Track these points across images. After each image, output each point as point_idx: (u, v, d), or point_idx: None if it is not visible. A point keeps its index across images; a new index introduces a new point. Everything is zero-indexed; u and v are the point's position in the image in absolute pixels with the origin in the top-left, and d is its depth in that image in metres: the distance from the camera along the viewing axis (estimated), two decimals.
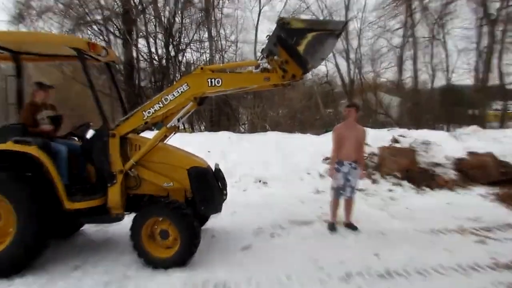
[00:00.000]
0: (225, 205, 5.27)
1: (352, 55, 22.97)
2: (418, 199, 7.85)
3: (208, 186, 4.98)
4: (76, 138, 5.41)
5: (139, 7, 16.85)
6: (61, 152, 4.58)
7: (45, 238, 4.56)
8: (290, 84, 4.66)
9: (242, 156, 10.23)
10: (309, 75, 25.40)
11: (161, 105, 4.87)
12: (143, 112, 4.81)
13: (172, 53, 17.58)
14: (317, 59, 4.38)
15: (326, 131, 13.03)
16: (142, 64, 20.25)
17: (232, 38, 20.57)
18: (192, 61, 20.99)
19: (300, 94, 20.06)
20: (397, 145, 9.87)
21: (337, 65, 24.09)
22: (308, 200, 8.07)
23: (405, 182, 8.69)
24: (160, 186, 4.81)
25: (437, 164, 9.00)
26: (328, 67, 24.75)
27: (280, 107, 19.01)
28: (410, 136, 10.26)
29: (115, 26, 16.73)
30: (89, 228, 6.02)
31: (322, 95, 24.15)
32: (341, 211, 6.05)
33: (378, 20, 22.20)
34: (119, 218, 4.82)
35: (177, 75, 19.97)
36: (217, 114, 20.58)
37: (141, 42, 19.43)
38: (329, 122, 20.12)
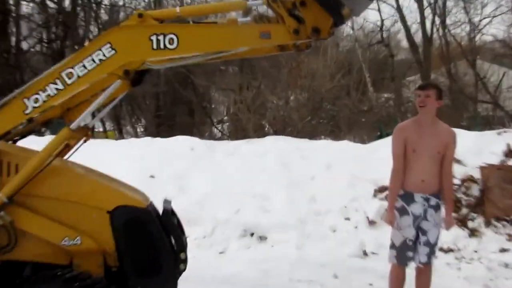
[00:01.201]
0: (183, 283, 3.37)
1: None
2: None
3: (149, 244, 3.11)
4: None
5: None
6: None
7: None
8: (309, 46, 3.22)
9: (216, 184, 7.19)
10: (346, 28, 19.79)
11: (61, 87, 3.01)
12: (24, 100, 3.03)
13: None
14: (363, 1, 3.09)
15: (381, 135, 10.75)
16: (25, 8, 11.76)
17: None
18: (122, 3, 12.71)
19: (331, 65, 14.99)
20: None
21: (400, 10, 18.49)
22: (347, 272, 5.19)
23: None
24: (56, 245, 3.01)
25: None
26: (385, 14, 21.80)
27: (293, 90, 14.07)
28: None
29: None
30: None
31: (373, 68, 18.72)
32: None
33: None
34: None
35: (92, 29, 12.40)
36: (169, 105, 14.45)
37: None
38: (385, 118, 15.58)
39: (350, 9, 2.84)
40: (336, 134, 12.77)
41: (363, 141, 9.92)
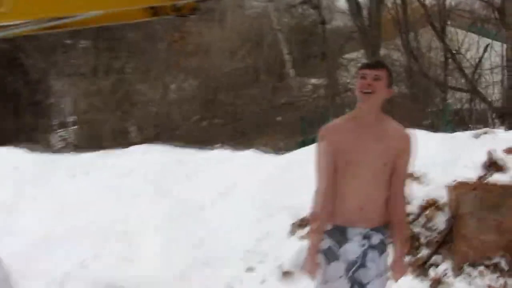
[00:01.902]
0: None
1: None
2: None
3: None
4: None
5: None
6: None
7: None
8: (196, 9, 3.17)
9: (54, 221, 7.03)
10: None
11: None
12: None
13: None
14: None
15: (304, 141, 10.84)
16: None
17: None
18: None
19: (232, 37, 15.08)
20: (499, 178, 7.06)
21: None
22: None
23: None
24: None
25: None
26: None
27: (174, 74, 14.03)
28: None
29: None
30: None
31: (295, 41, 18.89)
32: None
33: None
34: None
35: None
36: None
37: None
38: (312, 115, 15.64)
39: None
40: (239, 140, 12.57)
41: (278, 150, 9.91)
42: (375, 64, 4.18)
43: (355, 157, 3.78)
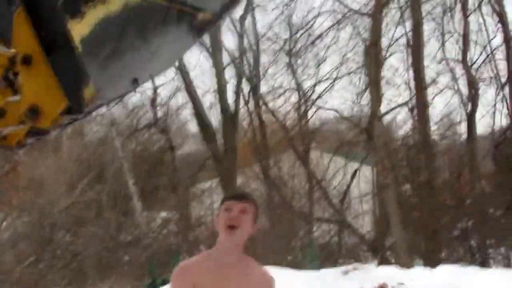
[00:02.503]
0: None
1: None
2: None
3: None
4: None
5: None
6: None
7: None
8: (23, 145, 2.85)
9: None
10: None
11: None
12: None
13: None
14: (122, 76, 2.84)
15: (154, 284, 11.85)
16: None
17: None
18: None
19: (70, 167, 16.10)
20: None
21: (183, 70, 21.28)
22: None
23: None
24: None
25: None
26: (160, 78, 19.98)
27: (6, 211, 14.77)
28: None
29: None
30: None
31: (141, 169, 20.12)
32: None
33: None
34: None
35: None
36: None
37: None
38: (162, 254, 16.55)
39: (97, 89, 2.74)
40: (80, 284, 13.32)
41: None
42: (242, 195, 4.16)
43: None
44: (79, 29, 2.46)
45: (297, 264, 12.92)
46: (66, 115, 2.75)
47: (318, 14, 22.04)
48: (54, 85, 2.65)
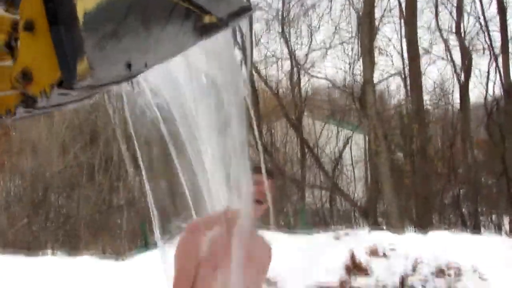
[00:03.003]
0: None
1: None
2: None
3: None
4: None
5: None
6: None
7: None
8: (13, 113, 2.63)
9: None
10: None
11: None
12: None
13: None
14: (117, 59, 2.58)
15: (146, 244, 11.73)
16: None
17: None
18: None
19: (62, 132, 16.24)
20: (362, 281, 8.79)
21: None
22: None
23: None
24: None
25: None
26: None
27: (1, 175, 15.17)
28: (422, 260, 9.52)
29: None
30: None
31: (137, 134, 19.83)
32: None
33: None
34: None
35: None
36: None
37: None
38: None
39: (90, 66, 2.78)
40: (73, 244, 13.35)
41: (118, 255, 10.56)
42: (270, 172, 4.17)
43: (224, 265, 3.88)
44: (84, 3, 2.33)
45: (289, 229, 12.75)
46: (56, 88, 2.68)
47: None
48: (51, 55, 2.38)
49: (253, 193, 3.68)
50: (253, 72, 21.92)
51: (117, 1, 2.31)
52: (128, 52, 2.49)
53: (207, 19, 2.84)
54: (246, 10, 3.16)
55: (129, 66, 2.54)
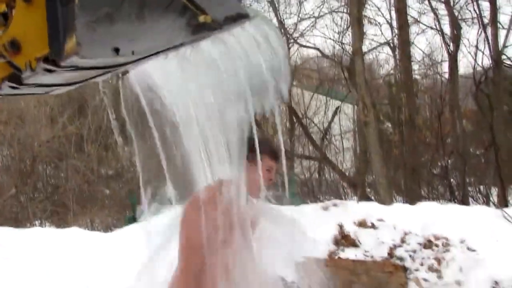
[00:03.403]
0: None
1: None
2: None
3: None
4: None
5: None
6: None
7: None
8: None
9: None
10: None
11: None
12: None
13: None
14: (106, 42, 2.28)
15: (134, 218, 11.38)
16: None
17: None
18: None
19: (51, 101, 15.94)
20: (351, 253, 8.80)
21: None
22: None
23: None
24: None
25: None
26: None
27: None
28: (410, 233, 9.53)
29: None
30: None
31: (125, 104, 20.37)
32: None
33: None
34: None
35: None
36: None
37: None
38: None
39: (77, 44, 2.23)
40: (61, 215, 13.42)
41: (107, 227, 10.68)
42: (279, 157, 4.14)
43: (230, 237, 3.81)
44: None
45: (277, 200, 12.86)
46: (42, 63, 2.15)
47: None
48: (42, 30, 2.24)
49: (263, 177, 3.69)
50: None
51: None
52: (117, 37, 2.33)
53: (202, 18, 2.73)
54: (243, 17, 3.09)
55: (116, 51, 2.37)
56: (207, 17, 2.59)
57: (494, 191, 19.92)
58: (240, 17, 3.11)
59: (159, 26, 2.62)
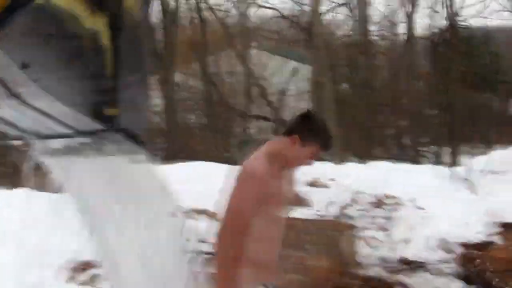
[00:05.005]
0: None
1: None
2: None
3: None
4: None
5: None
6: None
7: None
8: None
9: None
10: None
11: None
12: None
13: None
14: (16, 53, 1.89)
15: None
16: None
17: None
18: None
19: None
20: (303, 212, 8.85)
21: None
22: None
23: None
24: None
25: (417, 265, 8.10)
26: None
27: None
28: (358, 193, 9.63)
29: None
30: None
31: None
32: None
33: None
34: None
35: None
36: None
37: None
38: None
39: None
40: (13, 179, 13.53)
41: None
42: (330, 150, 4.30)
43: (278, 206, 4.05)
44: None
45: (234, 161, 12.83)
46: None
47: None
48: None
49: (307, 161, 3.93)
50: (201, 0, 21.81)
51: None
52: (19, 53, 2.21)
53: (110, 111, 2.59)
54: (136, 139, 2.89)
55: (24, 66, 2.25)
56: (116, 111, 2.59)
57: (448, 152, 20.02)
58: (134, 136, 2.94)
59: (64, 78, 2.36)
